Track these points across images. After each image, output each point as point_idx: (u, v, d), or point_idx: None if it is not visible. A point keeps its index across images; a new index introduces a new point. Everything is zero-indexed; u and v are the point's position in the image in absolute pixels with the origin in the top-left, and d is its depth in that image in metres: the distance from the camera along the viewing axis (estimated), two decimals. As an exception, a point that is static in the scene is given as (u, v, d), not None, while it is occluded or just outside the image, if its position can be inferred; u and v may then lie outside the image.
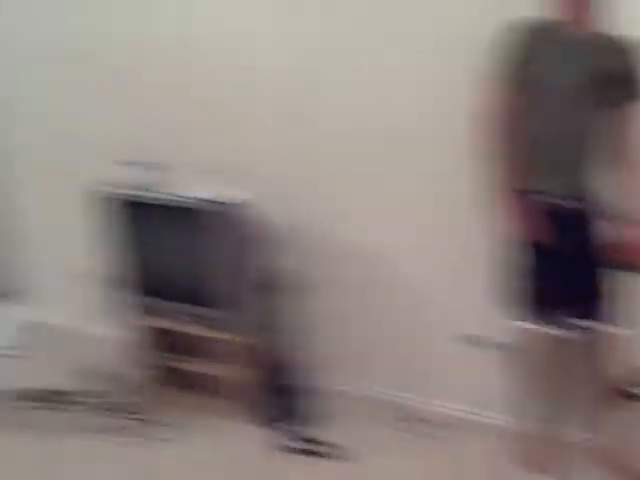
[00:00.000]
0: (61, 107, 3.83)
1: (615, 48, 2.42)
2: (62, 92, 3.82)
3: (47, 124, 3.91)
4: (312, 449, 3.00)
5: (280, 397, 3.21)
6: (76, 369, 3.61)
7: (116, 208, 3.27)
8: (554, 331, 2.64)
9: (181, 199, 3.11)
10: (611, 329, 2.63)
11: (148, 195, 3.19)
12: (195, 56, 3.36)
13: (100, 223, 3.34)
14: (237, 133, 3.35)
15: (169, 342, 3.38)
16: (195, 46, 3.35)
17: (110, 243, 3.34)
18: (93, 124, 3.73)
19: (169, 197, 3.14)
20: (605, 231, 2.56)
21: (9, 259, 4.37)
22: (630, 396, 2.86)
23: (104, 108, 3.68)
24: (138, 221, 3.26)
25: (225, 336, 3.15)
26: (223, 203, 3.04)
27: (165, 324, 3.32)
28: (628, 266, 2.58)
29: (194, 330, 3.24)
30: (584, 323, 2.62)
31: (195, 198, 3.08)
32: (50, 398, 3.38)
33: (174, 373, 3.39)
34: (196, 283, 3.19)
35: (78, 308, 3.96)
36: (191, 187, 3.14)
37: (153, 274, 3.30)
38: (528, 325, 2.68)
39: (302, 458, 2.98)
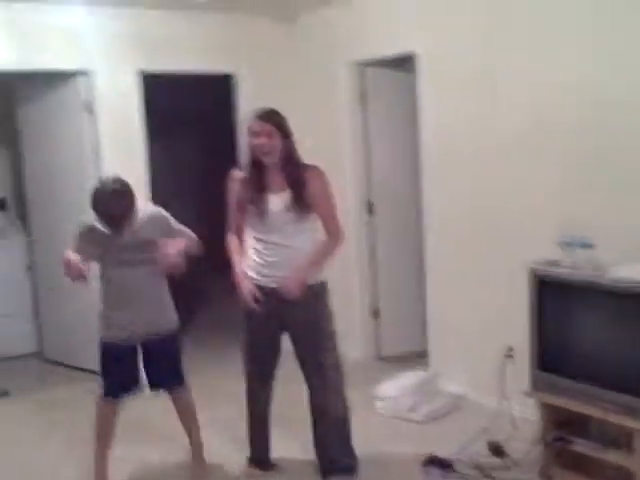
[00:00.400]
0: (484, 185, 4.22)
1: None
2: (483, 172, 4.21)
3: (470, 200, 4.31)
4: None
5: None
6: (476, 440, 3.74)
7: (545, 287, 3.37)
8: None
9: (610, 280, 3.11)
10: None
11: (578, 275, 3.25)
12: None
13: (529, 300, 3.45)
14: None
15: (576, 424, 3.32)
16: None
17: (536, 321, 3.42)
18: (524, 202, 4.00)
19: (600, 278, 3.15)
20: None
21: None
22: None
23: (533, 186, 3.94)
24: (566, 299, 3.32)
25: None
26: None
27: (577, 406, 3.25)
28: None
29: (606, 415, 3.11)
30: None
31: (625, 279, 3.04)
32: (449, 466, 3.53)
33: (575, 456, 3.31)
34: (621, 368, 3.12)
35: (490, 380, 4.11)
36: (621, 267, 3.14)
37: (571, 354, 3.33)
38: None
39: None
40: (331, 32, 5.19)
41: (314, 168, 3.41)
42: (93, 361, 3.77)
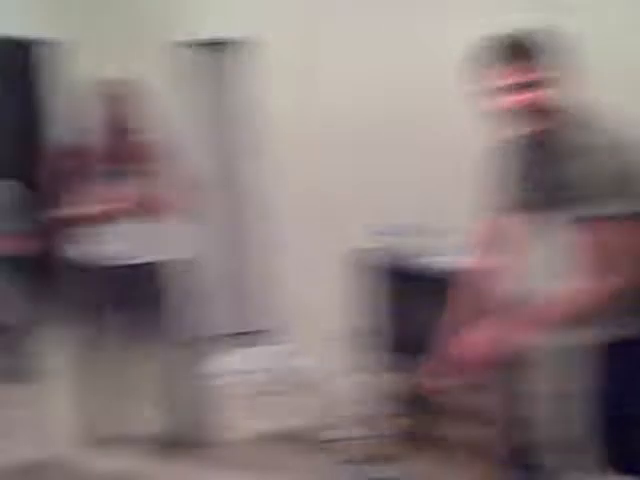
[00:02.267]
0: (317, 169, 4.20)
1: None
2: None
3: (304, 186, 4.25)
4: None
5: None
6: (319, 415, 3.72)
7: (366, 272, 3.44)
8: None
9: (426, 265, 3.23)
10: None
11: (401, 262, 3.36)
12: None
13: (351, 285, 3.55)
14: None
15: (415, 400, 3.38)
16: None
17: (359, 304, 3.52)
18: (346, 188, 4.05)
19: (421, 263, 3.27)
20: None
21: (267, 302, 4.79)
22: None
23: (356, 171, 4.00)
24: (395, 287, 3.40)
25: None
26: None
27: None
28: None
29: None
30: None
31: (440, 264, 3.16)
32: (295, 440, 3.55)
33: (415, 430, 3.41)
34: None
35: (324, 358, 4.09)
36: (442, 252, 3.23)
37: (406, 333, 3.43)
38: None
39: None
40: (165, 10, 4.97)
41: None
42: None
